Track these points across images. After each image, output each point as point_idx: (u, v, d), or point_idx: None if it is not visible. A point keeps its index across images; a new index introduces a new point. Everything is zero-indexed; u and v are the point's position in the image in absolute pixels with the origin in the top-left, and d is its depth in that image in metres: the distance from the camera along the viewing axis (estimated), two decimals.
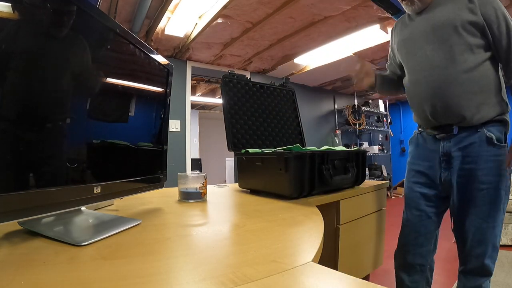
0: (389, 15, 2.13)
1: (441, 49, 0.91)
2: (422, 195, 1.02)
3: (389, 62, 1.24)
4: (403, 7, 1.02)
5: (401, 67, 1.13)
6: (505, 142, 0.90)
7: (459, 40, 0.89)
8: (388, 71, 1.25)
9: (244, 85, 1.35)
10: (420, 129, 1.08)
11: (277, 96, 1.48)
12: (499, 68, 0.94)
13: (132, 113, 0.71)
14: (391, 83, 1.22)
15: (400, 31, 1.09)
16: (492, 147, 0.89)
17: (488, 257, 0.90)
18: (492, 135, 0.89)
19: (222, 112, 1.25)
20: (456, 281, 1.00)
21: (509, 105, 0.94)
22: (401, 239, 1.07)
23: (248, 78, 1.53)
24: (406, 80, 1.06)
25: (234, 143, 1.24)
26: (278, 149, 1.04)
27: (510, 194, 0.91)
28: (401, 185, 5.39)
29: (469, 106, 0.89)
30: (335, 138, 4.65)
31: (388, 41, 1.22)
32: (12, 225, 0.56)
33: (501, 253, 2.24)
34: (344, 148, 1.16)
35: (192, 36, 2.80)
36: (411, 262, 1.03)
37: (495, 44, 0.89)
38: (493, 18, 0.87)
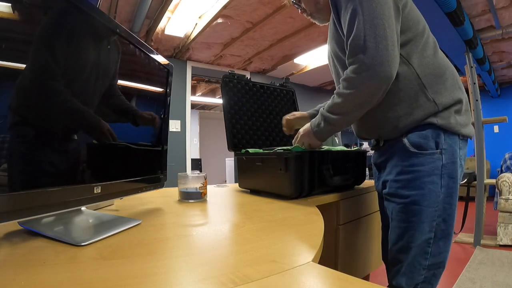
0: None
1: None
2: None
3: None
4: None
5: None
6: (437, 148, 0.74)
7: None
8: None
9: (244, 85, 1.35)
10: None
11: (277, 96, 1.48)
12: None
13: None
14: None
15: None
16: (409, 155, 0.76)
17: (401, 274, 0.76)
18: (407, 141, 0.77)
19: (222, 112, 1.25)
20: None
21: (437, 103, 0.75)
22: None
23: (248, 78, 1.53)
24: None
25: (234, 143, 1.24)
26: (278, 149, 1.04)
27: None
28: None
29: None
30: (335, 138, 4.63)
31: None
32: (12, 225, 0.56)
33: (501, 253, 2.24)
34: (344, 148, 1.16)
35: (192, 36, 2.80)
36: None
37: None
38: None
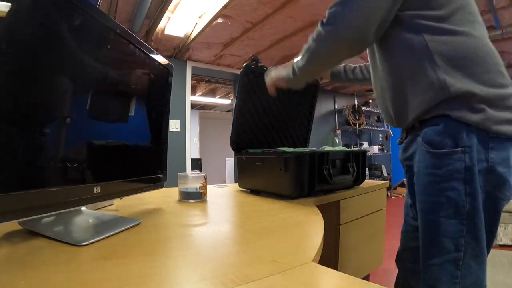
0: None
1: None
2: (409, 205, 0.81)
3: None
4: None
5: None
6: (457, 146, 0.60)
7: None
8: None
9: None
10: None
11: (297, 91, 1.15)
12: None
13: (132, 113, 0.71)
14: None
15: None
16: (425, 153, 0.64)
17: None
18: (420, 138, 0.66)
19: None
20: None
21: (449, 87, 0.60)
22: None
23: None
24: None
25: (237, 143, 1.20)
26: (276, 150, 1.01)
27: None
28: (401, 185, 5.39)
29: None
30: (335, 138, 4.64)
31: None
32: (12, 225, 0.56)
33: (501, 253, 2.24)
34: (344, 148, 1.16)
35: (192, 36, 2.80)
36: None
37: None
38: None
